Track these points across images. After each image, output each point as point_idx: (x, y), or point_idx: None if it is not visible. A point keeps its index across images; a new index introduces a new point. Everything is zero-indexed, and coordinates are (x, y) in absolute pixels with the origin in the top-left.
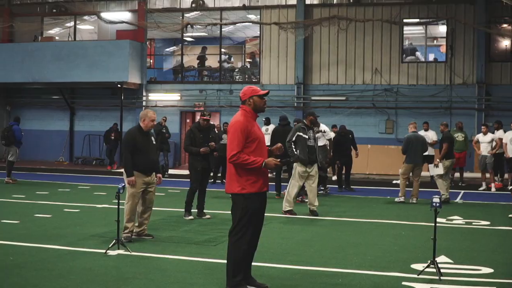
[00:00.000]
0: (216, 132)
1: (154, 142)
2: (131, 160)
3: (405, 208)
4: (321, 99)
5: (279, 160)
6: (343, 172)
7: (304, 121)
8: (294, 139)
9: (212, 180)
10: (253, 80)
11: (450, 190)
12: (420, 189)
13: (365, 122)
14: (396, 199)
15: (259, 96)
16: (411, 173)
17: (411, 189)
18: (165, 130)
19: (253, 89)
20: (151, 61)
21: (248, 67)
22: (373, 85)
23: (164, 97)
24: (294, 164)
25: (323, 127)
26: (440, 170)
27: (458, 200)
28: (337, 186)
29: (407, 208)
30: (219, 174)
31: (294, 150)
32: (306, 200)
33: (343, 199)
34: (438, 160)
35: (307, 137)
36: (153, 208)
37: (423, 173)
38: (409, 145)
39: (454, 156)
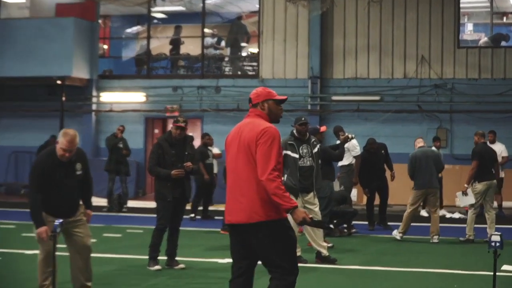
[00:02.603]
0: (195, 147)
1: (78, 173)
2: (38, 201)
3: (458, 251)
4: (345, 99)
5: (311, 217)
6: (376, 202)
7: (294, 132)
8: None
9: (192, 215)
10: (250, 73)
11: (496, 225)
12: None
13: (407, 131)
14: (393, 233)
15: (276, 101)
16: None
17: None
18: (123, 145)
19: (268, 91)
20: (105, 47)
21: (243, 54)
22: (419, 79)
23: (123, 98)
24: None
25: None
26: (470, 199)
27: None
28: (367, 222)
29: (459, 252)
30: (201, 208)
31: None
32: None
33: (375, 241)
34: (466, 185)
35: (297, 156)
36: (105, 255)
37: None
38: (416, 165)
39: (492, 177)
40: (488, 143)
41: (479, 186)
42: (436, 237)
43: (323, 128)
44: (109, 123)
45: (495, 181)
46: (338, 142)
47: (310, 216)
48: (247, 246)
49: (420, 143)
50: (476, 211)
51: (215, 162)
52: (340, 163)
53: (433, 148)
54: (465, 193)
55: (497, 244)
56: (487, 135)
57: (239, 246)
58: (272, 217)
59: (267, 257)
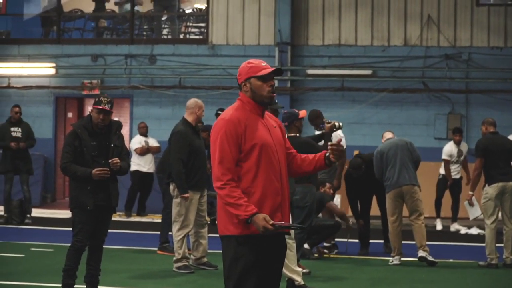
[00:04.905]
0: (123, 137)
1: None
2: None
3: (476, 280)
4: (325, 74)
5: (272, 223)
6: (372, 213)
7: None
8: None
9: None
10: (195, 36)
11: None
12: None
13: (408, 117)
14: (390, 261)
15: (259, 78)
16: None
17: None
18: (22, 134)
19: (251, 66)
20: (0, 1)
21: (185, 10)
22: (424, 47)
23: (26, 71)
24: None
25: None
26: (476, 210)
27: None
28: (358, 241)
29: (478, 281)
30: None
31: None
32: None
33: (366, 265)
34: (470, 192)
35: None
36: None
37: None
38: (383, 161)
39: (508, 178)
40: None
41: (490, 191)
42: (424, 253)
43: (303, 113)
44: (7, 104)
45: (505, 183)
46: (317, 132)
47: (271, 222)
48: None
49: (388, 135)
50: (493, 224)
51: (151, 157)
52: None
53: (451, 143)
54: (470, 203)
55: None
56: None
57: None
58: (226, 233)
59: None
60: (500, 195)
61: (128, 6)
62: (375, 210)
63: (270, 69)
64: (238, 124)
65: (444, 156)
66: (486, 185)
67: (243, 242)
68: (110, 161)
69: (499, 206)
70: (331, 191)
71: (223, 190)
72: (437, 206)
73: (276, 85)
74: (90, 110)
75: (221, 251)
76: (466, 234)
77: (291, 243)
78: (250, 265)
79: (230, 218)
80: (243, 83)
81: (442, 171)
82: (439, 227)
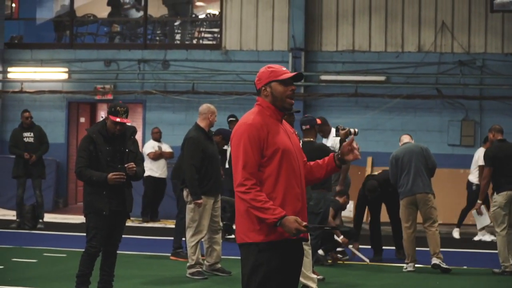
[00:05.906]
0: (138, 142)
1: None
2: None
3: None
4: (338, 80)
5: (305, 224)
6: (382, 221)
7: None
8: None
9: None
10: (209, 42)
11: None
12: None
13: (422, 123)
14: (404, 268)
15: (281, 82)
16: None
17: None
18: (34, 139)
19: (272, 70)
20: (13, 5)
21: (198, 16)
22: (438, 54)
23: (38, 75)
24: None
25: (332, 139)
26: (485, 219)
27: None
28: (371, 247)
29: None
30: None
31: None
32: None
33: (379, 271)
34: (479, 201)
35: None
36: None
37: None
38: (398, 167)
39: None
40: None
41: (498, 199)
42: (437, 260)
43: (318, 120)
44: (19, 109)
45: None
46: (324, 140)
47: (304, 223)
48: None
49: (405, 139)
50: (504, 231)
51: (164, 163)
52: None
53: (481, 148)
54: (479, 212)
55: None
56: None
57: None
58: (246, 240)
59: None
60: (508, 203)
61: (134, 12)
62: (385, 216)
63: (292, 74)
64: (260, 128)
65: (481, 163)
66: (495, 193)
67: (265, 249)
68: (126, 165)
69: (508, 215)
70: (342, 200)
71: (248, 195)
72: (464, 215)
73: None
74: (105, 117)
75: (234, 257)
76: (480, 241)
77: (307, 249)
78: (271, 272)
79: (252, 225)
80: (263, 88)
81: (474, 180)
82: (456, 235)
